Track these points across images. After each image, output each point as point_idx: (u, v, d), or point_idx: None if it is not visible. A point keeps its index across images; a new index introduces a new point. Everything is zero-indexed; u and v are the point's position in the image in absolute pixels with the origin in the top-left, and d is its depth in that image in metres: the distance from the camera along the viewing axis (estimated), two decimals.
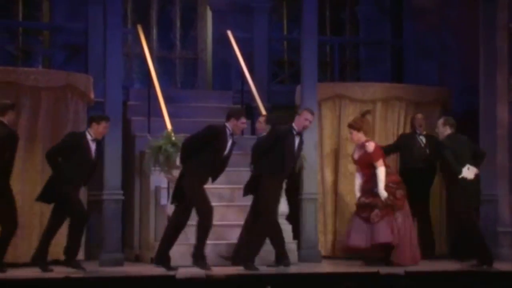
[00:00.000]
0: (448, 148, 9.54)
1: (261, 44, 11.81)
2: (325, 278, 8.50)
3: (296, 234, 9.92)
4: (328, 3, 12.57)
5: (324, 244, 10.45)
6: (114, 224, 9.54)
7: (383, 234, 9.27)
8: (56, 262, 9.11)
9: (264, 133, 9.55)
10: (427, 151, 10.29)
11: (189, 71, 12.24)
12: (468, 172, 9.38)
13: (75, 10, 11.28)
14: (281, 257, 9.00)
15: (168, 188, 9.71)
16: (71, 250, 8.79)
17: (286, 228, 9.63)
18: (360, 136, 9.51)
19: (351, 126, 9.63)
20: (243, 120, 8.93)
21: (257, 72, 11.55)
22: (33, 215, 9.63)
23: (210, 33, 12.04)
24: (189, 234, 9.28)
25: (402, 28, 12.39)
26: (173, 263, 9.19)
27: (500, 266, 9.41)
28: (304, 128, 9.17)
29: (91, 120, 9.00)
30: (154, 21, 12.04)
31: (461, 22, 11.67)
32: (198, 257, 8.67)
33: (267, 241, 9.09)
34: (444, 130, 9.66)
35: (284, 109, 10.97)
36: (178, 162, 9.05)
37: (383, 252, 9.45)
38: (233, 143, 8.90)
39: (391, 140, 10.70)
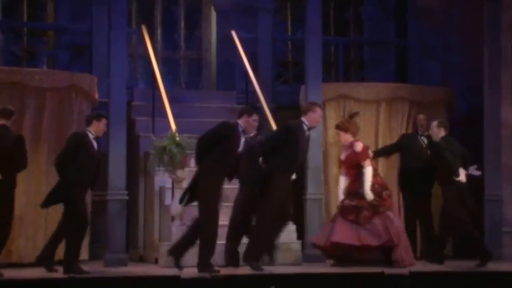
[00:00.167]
0: (447, 150, 9.60)
1: (265, 45, 11.81)
2: (329, 278, 8.50)
3: (300, 234, 9.92)
4: (332, 3, 12.57)
5: None
6: (118, 224, 9.54)
7: (375, 237, 9.23)
8: (61, 263, 9.11)
9: (252, 134, 9.52)
10: (428, 151, 10.30)
11: (193, 72, 12.25)
12: (462, 175, 9.55)
13: (79, 10, 11.30)
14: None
15: (172, 189, 9.72)
16: (70, 255, 8.70)
17: (291, 228, 9.64)
18: (347, 137, 9.52)
19: (338, 127, 9.63)
20: (255, 117, 8.92)
21: (261, 72, 11.56)
22: (37, 215, 9.65)
23: (215, 34, 12.05)
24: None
25: (407, 28, 12.38)
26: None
27: (505, 266, 9.41)
28: (317, 124, 9.17)
29: (91, 119, 8.97)
30: (158, 21, 12.05)
31: (465, 22, 11.67)
32: (203, 266, 8.56)
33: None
34: (439, 132, 9.75)
35: (288, 109, 10.98)
36: (193, 162, 8.96)
37: (374, 254, 9.41)
38: (245, 141, 8.88)
39: (395, 140, 10.70)
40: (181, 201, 8.88)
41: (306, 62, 10.24)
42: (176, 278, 7.97)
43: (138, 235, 10.36)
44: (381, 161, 10.69)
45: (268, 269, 8.86)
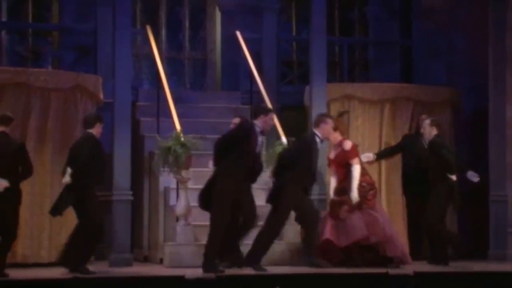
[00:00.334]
0: (444, 148, 9.64)
1: (270, 45, 11.81)
2: (334, 278, 8.50)
3: None
4: (337, 3, 12.56)
5: None
6: (123, 224, 9.54)
7: (358, 230, 9.24)
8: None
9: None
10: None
11: (198, 72, 12.26)
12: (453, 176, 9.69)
13: (84, 11, 11.31)
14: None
15: (177, 189, 9.72)
16: (80, 256, 8.74)
17: (296, 229, 9.63)
18: (336, 136, 9.53)
19: None
20: (272, 115, 8.93)
21: (266, 72, 11.55)
22: (42, 215, 9.65)
23: (219, 34, 12.05)
24: (198, 235, 9.30)
25: (411, 28, 12.37)
26: (182, 263, 9.22)
27: (510, 267, 9.39)
28: (329, 135, 9.24)
29: (94, 121, 8.95)
30: (163, 22, 12.05)
31: (470, 22, 11.65)
32: (208, 266, 8.59)
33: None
34: (431, 131, 9.81)
35: (293, 110, 10.98)
36: (211, 165, 8.94)
37: (362, 253, 9.41)
38: (261, 142, 8.91)
39: (399, 140, 10.69)
40: (203, 206, 8.86)
41: (310, 62, 10.24)
42: (180, 279, 7.97)
43: (142, 235, 10.36)
44: (384, 162, 10.68)
45: (273, 269, 8.86)
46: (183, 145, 9.54)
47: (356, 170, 9.39)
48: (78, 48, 11.33)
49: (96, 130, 8.93)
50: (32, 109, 9.73)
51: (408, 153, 10.42)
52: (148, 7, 12.06)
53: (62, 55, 11.45)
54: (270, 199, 9.11)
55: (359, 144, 10.24)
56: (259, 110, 8.98)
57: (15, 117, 9.49)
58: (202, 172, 9.62)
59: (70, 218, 9.12)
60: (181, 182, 9.62)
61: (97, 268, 8.95)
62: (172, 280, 8.15)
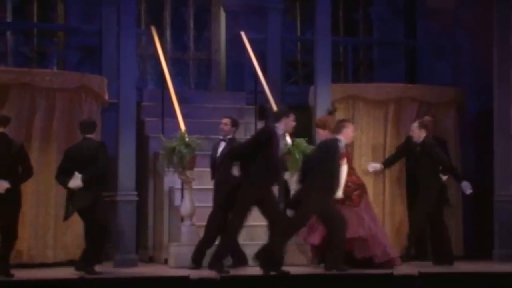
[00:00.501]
0: (437, 148, 9.77)
1: (274, 45, 11.81)
2: (339, 279, 8.49)
3: None
4: (341, 3, 12.57)
5: None
6: (128, 225, 9.57)
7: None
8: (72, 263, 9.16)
9: (230, 136, 9.48)
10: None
11: (202, 72, 12.27)
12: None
13: (89, 11, 11.33)
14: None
15: (182, 189, 9.73)
16: (88, 256, 8.79)
17: (301, 230, 9.62)
18: (325, 134, 9.52)
19: (316, 125, 9.66)
20: (293, 116, 8.95)
21: (270, 73, 11.56)
22: (47, 215, 9.68)
23: (224, 34, 12.06)
24: (201, 235, 9.31)
25: (416, 29, 12.36)
26: (186, 263, 9.23)
27: None
28: (352, 138, 9.32)
29: (95, 126, 9.08)
30: (167, 22, 12.07)
31: (475, 22, 11.65)
32: (215, 265, 8.67)
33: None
34: (420, 133, 9.92)
35: (297, 110, 10.97)
36: (236, 171, 8.93)
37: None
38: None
39: (403, 140, 10.68)
40: (222, 208, 8.92)
41: (315, 62, 10.25)
42: (185, 279, 7.97)
43: (147, 235, 10.38)
44: (388, 173, 10.65)
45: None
46: (187, 145, 9.55)
47: (342, 171, 9.38)
48: (83, 49, 11.35)
49: (96, 135, 9.00)
50: (37, 109, 9.75)
51: (412, 154, 10.40)
52: (153, 7, 12.07)
53: (67, 56, 11.47)
54: (293, 204, 9.07)
55: (361, 144, 10.25)
56: (281, 113, 9.01)
57: (20, 118, 9.55)
58: (207, 172, 9.64)
59: (76, 218, 9.12)
60: (185, 183, 9.63)
61: (102, 268, 8.97)
62: (177, 280, 8.14)
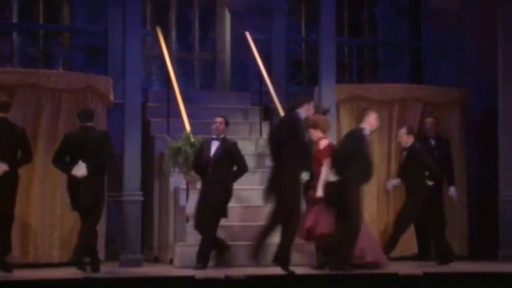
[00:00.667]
0: (424, 153, 9.91)
1: (279, 46, 11.84)
2: (343, 279, 8.51)
3: None
4: (346, 4, 12.59)
5: None
6: (133, 225, 9.59)
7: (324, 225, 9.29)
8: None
9: (222, 135, 9.48)
10: (436, 153, 10.32)
11: (207, 73, 12.30)
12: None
13: (95, 12, 11.36)
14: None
15: (187, 189, 9.76)
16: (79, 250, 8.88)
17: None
18: (317, 134, 9.52)
19: (307, 124, 9.67)
20: (313, 103, 9.06)
21: (275, 73, 11.59)
22: (53, 215, 9.71)
23: (229, 35, 12.09)
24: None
25: (420, 29, 12.38)
26: (189, 263, 9.25)
27: None
28: (377, 125, 9.42)
29: (93, 114, 9.18)
30: (173, 23, 12.10)
31: (479, 22, 11.65)
32: (284, 261, 8.75)
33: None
34: (408, 139, 9.99)
35: None
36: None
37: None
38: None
39: None
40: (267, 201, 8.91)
41: (320, 63, 10.26)
42: (190, 279, 8.00)
43: (153, 235, 10.40)
44: (394, 165, 10.65)
45: (279, 271, 8.88)
46: (193, 145, 9.57)
47: (324, 170, 9.39)
48: (88, 49, 11.39)
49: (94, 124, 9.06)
50: (43, 110, 9.78)
51: None
52: (158, 8, 12.11)
53: (72, 56, 11.51)
54: (334, 201, 9.09)
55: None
56: (302, 99, 9.04)
57: (26, 118, 9.59)
58: None
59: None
60: (190, 183, 9.66)
61: (108, 268, 9.00)
62: (182, 280, 8.17)
